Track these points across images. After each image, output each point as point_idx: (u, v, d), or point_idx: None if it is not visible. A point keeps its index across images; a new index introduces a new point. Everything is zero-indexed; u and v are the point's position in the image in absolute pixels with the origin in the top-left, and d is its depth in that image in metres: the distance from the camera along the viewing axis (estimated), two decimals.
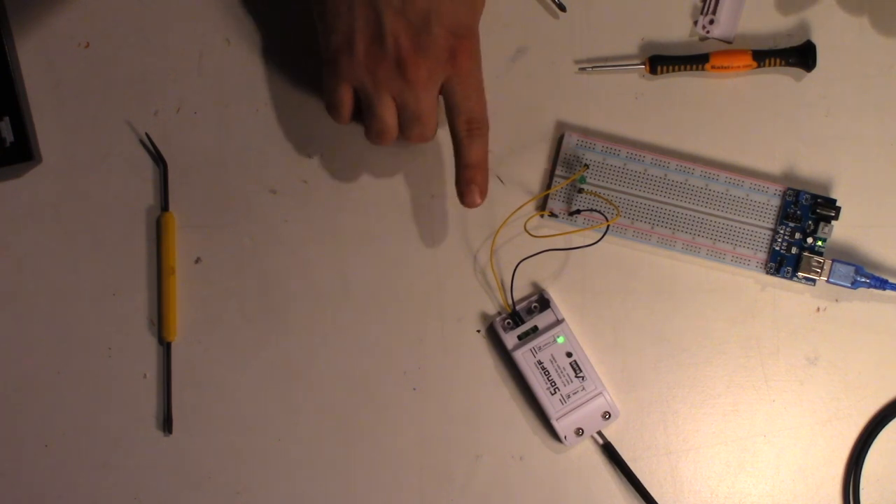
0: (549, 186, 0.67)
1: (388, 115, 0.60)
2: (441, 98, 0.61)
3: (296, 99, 0.68)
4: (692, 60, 0.66)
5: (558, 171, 0.66)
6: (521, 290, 0.67)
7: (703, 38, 0.67)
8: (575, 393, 0.65)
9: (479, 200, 0.62)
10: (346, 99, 0.61)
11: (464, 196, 0.62)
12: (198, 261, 0.67)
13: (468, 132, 0.61)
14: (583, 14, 0.68)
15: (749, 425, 0.66)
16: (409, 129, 0.61)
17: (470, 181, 0.61)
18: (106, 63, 0.68)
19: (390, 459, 0.66)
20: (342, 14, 0.59)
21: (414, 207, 0.67)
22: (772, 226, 0.65)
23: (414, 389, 0.67)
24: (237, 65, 0.68)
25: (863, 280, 0.65)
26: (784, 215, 0.65)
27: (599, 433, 0.65)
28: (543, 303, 0.66)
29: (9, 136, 0.66)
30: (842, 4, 0.67)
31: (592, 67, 0.67)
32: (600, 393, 0.65)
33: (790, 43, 0.67)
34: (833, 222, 0.65)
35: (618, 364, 0.66)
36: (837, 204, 0.65)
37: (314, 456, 0.66)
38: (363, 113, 0.61)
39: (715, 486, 0.66)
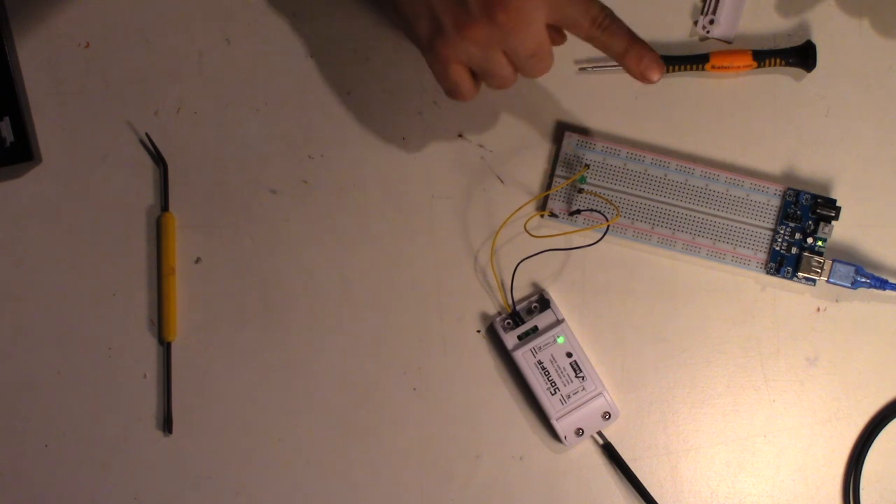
0: (549, 187, 0.67)
1: (505, 70, 0.59)
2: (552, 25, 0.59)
3: (296, 99, 0.68)
4: (692, 60, 0.66)
5: (558, 172, 0.66)
6: (521, 290, 0.67)
7: (703, 38, 0.67)
8: (575, 393, 0.65)
9: (660, 72, 0.60)
10: (462, 78, 0.59)
11: (646, 77, 0.60)
12: (198, 261, 0.67)
13: (601, 30, 0.59)
14: None
15: (749, 425, 0.66)
16: (529, 69, 0.60)
17: (637, 64, 0.60)
18: (106, 63, 0.68)
19: (390, 459, 0.66)
20: (420, 2, 0.58)
21: (414, 207, 0.67)
22: (772, 226, 0.65)
23: (414, 389, 0.67)
24: (237, 65, 0.68)
25: (863, 280, 0.65)
26: (784, 215, 0.65)
27: (599, 433, 0.65)
28: (543, 303, 0.66)
29: (9, 136, 0.66)
30: (842, 5, 0.67)
31: (592, 67, 0.67)
32: (600, 393, 0.65)
33: (790, 43, 0.67)
34: (833, 222, 0.65)
35: (618, 364, 0.66)
36: (837, 204, 0.65)
37: (314, 456, 0.66)
38: (480, 78, 0.60)
39: (715, 486, 0.66)
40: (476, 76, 0.61)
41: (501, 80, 0.60)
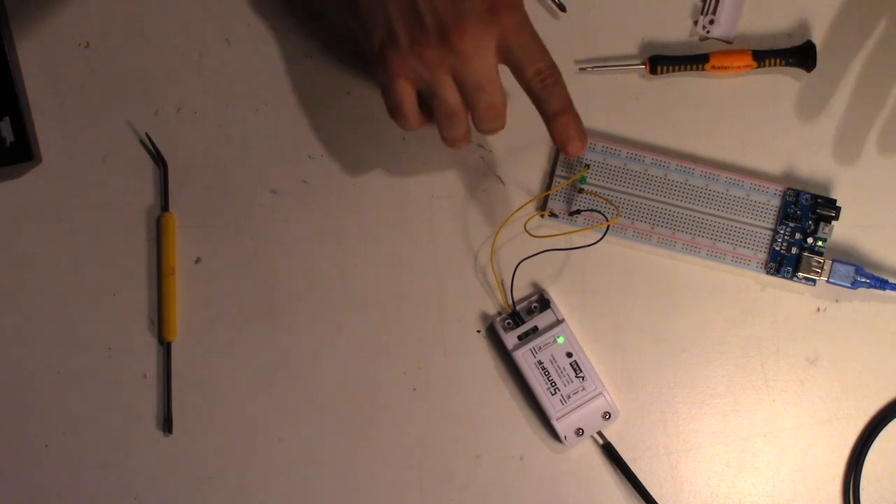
0: (549, 186, 0.67)
1: (451, 94, 0.58)
2: (504, 63, 0.59)
3: (296, 99, 0.68)
4: (692, 60, 0.66)
5: (558, 172, 0.66)
6: (521, 290, 0.67)
7: (703, 38, 0.67)
8: (575, 393, 0.65)
9: (581, 148, 0.59)
10: (406, 95, 0.59)
11: (565, 147, 0.59)
12: (198, 261, 0.67)
13: (541, 84, 0.58)
14: (583, 14, 0.68)
15: (749, 425, 0.66)
16: (476, 103, 0.58)
17: (563, 131, 0.59)
18: (106, 63, 0.68)
19: (390, 459, 0.66)
20: (375, 8, 0.58)
21: (414, 207, 0.67)
22: (772, 226, 0.65)
23: (414, 389, 0.67)
24: (237, 65, 0.68)
25: (863, 280, 0.65)
26: (784, 215, 0.65)
27: (599, 433, 0.65)
28: (543, 303, 0.66)
29: (9, 136, 0.66)
30: (842, 5, 0.67)
31: (592, 67, 0.67)
32: (600, 393, 0.65)
33: (790, 43, 0.67)
34: (833, 222, 0.65)
35: (618, 364, 0.66)
36: (837, 204, 0.65)
37: (314, 456, 0.66)
38: (427, 102, 0.59)
39: (715, 486, 0.66)
40: (425, 107, 0.60)
41: (448, 108, 0.59)
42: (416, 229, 0.67)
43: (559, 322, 0.66)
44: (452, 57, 0.57)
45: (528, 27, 0.58)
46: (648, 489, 0.65)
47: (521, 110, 0.67)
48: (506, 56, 0.58)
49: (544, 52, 0.59)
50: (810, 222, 0.65)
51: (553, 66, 0.59)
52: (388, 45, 0.58)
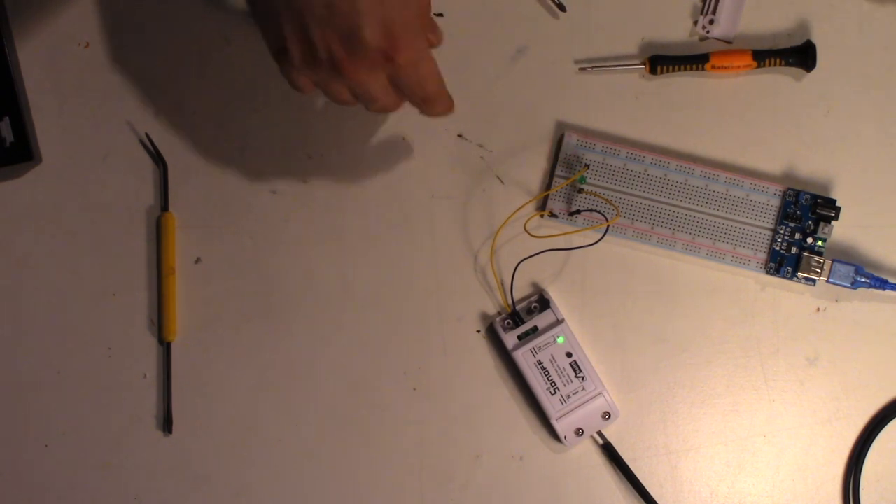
0: (549, 186, 0.67)
1: (343, 97, 0.58)
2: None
3: (296, 99, 0.68)
4: (692, 60, 0.66)
5: (558, 172, 0.66)
6: (521, 290, 0.67)
7: (703, 38, 0.67)
8: (575, 393, 0.65)
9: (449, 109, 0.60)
10: (303, 84, 0.58)
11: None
12: (198, 261, 0.67)
13: (425, 106, 0.59)
14: (583, 14, 0.68)
15: (749, 425, 0.66)
16: (369, 106, 0.59)
17: (432, 115, 0.60)
18: (106, 63, 0.68)
19: (390, 459, 0.66)
20: (270, 22, 0.56)
21: (414, 207, 0.67)
22: (772, 226, 0.65)
23: (414, 389, 0.67)
24: (237, 65, 0.68)
25: (863, 280, 0.65)
26: (784, 215, 0.65)
27: (599, 433, 0.65)
28: (543, 303, 0.66)
29: (9, 136, 0.66)
30: (842, 5, 0.67)
31: (592, 67, 0.67)
32: (600, 393, 0.65)
33: (790, 43, 0.67)
34: (833, 222, 0.65)
35: (618, 364, 0.66)
36: (837, 204, 0.65)
37: (314, 456, 0.66)
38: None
39: (715, 486, 0.66)
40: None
41: (340, 102, 0.58)
42: (416, 229, 0.67)
43: (559, 322, 0.66)
44: (344, 80, 0.56)
45: (425, 63, 0.57)
46: (648, 489, 0.65)
47: (520, 110, 0.67)
48: (395, 84, 0.57)
49: (434, 84, 0.58)
50: (810, 222, 0.65)
51: (437, 94, 0.58)
52: (281, 55, 0.56)
